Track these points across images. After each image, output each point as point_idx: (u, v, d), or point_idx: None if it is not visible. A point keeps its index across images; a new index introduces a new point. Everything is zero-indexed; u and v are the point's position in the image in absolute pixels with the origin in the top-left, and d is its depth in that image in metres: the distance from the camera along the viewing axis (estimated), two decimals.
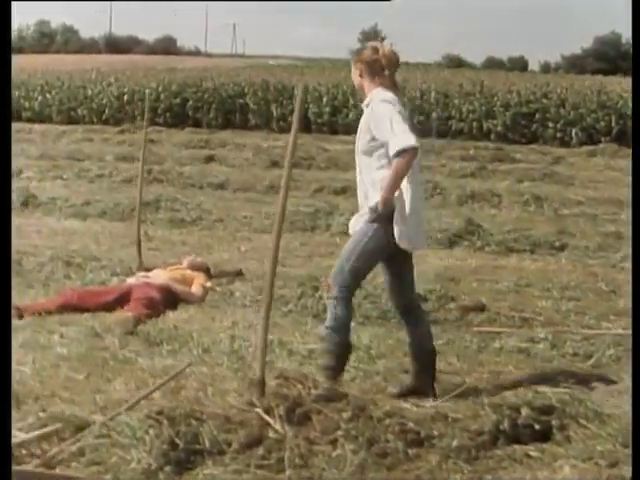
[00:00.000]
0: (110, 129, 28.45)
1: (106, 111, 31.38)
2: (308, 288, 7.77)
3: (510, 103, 27.49)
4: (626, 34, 78.50)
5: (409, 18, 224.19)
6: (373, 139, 5.22)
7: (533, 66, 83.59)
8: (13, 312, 7.08)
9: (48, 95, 32.63)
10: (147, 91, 9.98)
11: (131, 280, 7.85)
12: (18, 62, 63.03)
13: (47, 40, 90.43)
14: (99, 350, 6.35)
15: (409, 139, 5.00)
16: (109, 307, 7.39)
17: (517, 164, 19.63)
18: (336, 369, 5.34)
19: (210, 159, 19.55)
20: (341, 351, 5.35)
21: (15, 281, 8.36)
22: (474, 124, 27.62)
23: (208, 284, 8.04)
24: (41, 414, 4.62)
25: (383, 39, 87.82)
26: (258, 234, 11.38)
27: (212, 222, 11.96)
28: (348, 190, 14.94)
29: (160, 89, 31.08)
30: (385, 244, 5.25)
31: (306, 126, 29.51)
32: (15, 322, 6.97)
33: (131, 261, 9.01)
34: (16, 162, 18.88)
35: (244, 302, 7.80)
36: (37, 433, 4.21)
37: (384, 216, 5.16)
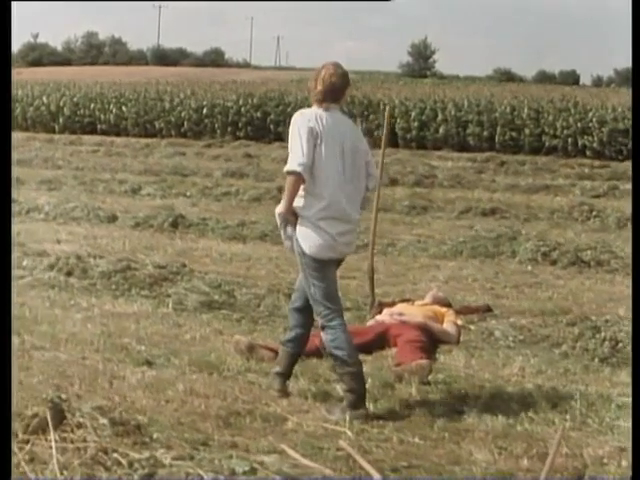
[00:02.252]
0: (194, 142, 27.93)
1: (185, 124, 30.80)
2: (585, 328, 6.93)
3: (606, 119, 26.58)
4: None
5: (458, 32, 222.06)
6: None
7: (585, 80, 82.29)
8: (268, 354, 6.33)
9: (124, 108, 32.06)
10: (386, 107, 9.31)
11: (383, 318, 7.07)
12: (66, 73, 63.04)
13: (95, 52, 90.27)
14: (399, 404, 5.56)
15: (294, 163, 5.16)
16: (367, 349, 6.61)
17: None
18: None
19: None
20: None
21: (235, 315, 7.68)
22: (569, 140, 26.75)
23: (459, 322, 7.25)
24: None
25: (433, 52, 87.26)
26: (440, 260, 10.62)
27: (385, 246, 11.15)
28: (497, 211, 14.19)
29: (241, 102, 30.48)
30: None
31: (393, 142, 28.85)
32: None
33: (350, 293, 8.29)
34: (123, 177, 18.36)
35: (507, 343, 6.99)
36: None
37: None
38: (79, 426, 3.96)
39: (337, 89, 5.40)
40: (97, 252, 9.62)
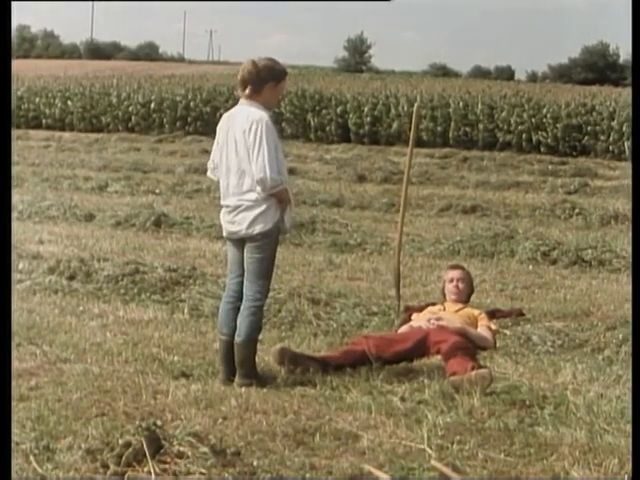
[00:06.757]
0: (144, 137, 27.36)
1: (132, 119, 30.17)
2: (629, 333, 6.68)
3: (560, 115, 26.65)
4: (613, 45, 78.31)
5: (393, 26, 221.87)
6: None
7: (520, 76, 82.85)
8: (313, 365, 6.00)
9: (69, 102, 31.30)
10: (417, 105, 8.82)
11: (419, 324, 6.77)
12: None
13: (27, 45, 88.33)
14: (465, 416, 5.27)
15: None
16: (408, 356, 6.33)
17: (612, 181, 18.73)
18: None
19: (290, 172, 18.36)
20: None
21: None
22: (524, 136, 26.76)
23: (493, 326, 6.99)
24: None
25: (369, 47, 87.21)
26: (439, 259, 10.35)
27: (379, 246, 10.87)
28: (477, 209, 14.00)
29: (190, 97, 29.96)
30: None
31: (345, 137, 28.64)
32: (322, 377, 5.91)
33: (373, 296, 8.00)
34: (84, 173, 17.82)
35: (547, 348, 6.74)
36: None
37: None
38: (180, 456, 3.60)
39: (241, 81, 5.71)
40: (87, 254, 9.19)
